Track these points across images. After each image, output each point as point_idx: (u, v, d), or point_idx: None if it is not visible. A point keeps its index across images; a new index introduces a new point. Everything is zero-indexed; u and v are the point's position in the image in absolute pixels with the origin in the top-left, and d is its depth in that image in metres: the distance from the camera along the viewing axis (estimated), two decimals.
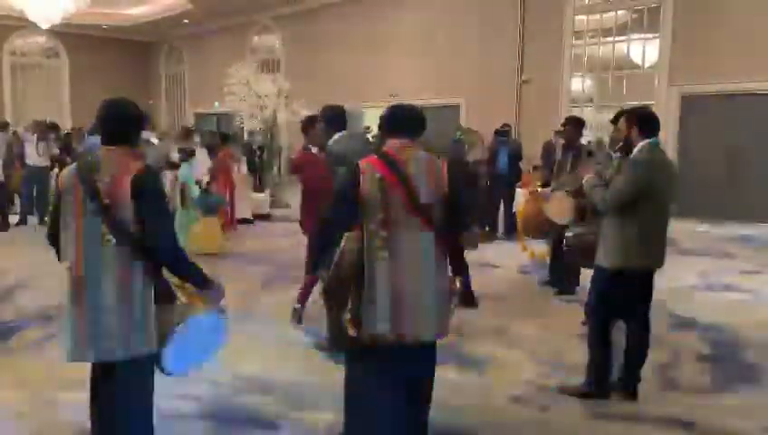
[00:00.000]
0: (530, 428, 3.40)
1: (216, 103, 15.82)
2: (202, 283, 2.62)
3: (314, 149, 4.86)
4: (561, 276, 6.13)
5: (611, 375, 3.81)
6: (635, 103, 11.20)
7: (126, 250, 2.42)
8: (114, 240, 2.41)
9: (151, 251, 2.46)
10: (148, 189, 2.44)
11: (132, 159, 2.49)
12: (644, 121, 3.65)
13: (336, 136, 4.34)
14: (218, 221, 8.15)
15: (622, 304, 3.74)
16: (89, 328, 2.43)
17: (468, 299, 5.70)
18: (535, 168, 10.27)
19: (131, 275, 2.43)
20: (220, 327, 2.75)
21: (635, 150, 3.63)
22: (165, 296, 2.56)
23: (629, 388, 3.77)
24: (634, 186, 3.51)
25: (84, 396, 2.72)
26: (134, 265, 2.44)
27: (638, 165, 3.56)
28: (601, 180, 3.75)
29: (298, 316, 5.11)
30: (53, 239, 2.60)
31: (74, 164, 2.56)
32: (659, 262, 3.73)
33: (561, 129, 6.34)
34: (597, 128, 11.99)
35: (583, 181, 3.85)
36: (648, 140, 3.59)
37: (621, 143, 3.87)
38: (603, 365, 3.77)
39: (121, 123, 2.55)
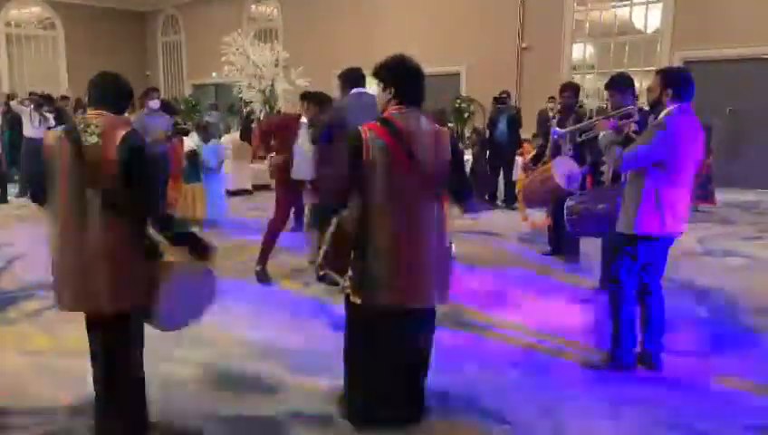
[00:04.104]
0: (530, 392, 3.41)
1: (214, 74, 15.61)
2: (189, 241, 2.68)
3: None
4: (564, 244, 6.11)
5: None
6: (636, 70, 11.12)
7: (112, 207, 2.47)
8: (100, 198, 2.46)
9: (138, 209, 2.52)
10: (135, 150, 2.51)
11: (119, 122, 2.57)
12: (678, 83, 3.40)
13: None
14: (202, 189, 8.08)
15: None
16: (77, 283, 2.51)
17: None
18: (535, 136, 10.19)
19: (117, 231, 2.50)
20: (210, 285, 2.79)
21: (662, 114, 3.42)
22: (152, 253, 2.62)
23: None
24: (654, 151, 3.32)
25: (86, 364, 2.76)
26: (120, 222, 2.50)
27: (661, 131, 3.33)
28: (618, 137, 3.56)
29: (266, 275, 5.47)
30: (39, 193, 2.65)
31: (61, 126, 2.63)
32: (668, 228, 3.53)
33: (559, 96, 6.22)
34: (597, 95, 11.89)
35: (599, 136, 3.69)
36: (677, 104, 3.38)
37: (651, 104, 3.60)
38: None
39: (109, 90, 2.63)
